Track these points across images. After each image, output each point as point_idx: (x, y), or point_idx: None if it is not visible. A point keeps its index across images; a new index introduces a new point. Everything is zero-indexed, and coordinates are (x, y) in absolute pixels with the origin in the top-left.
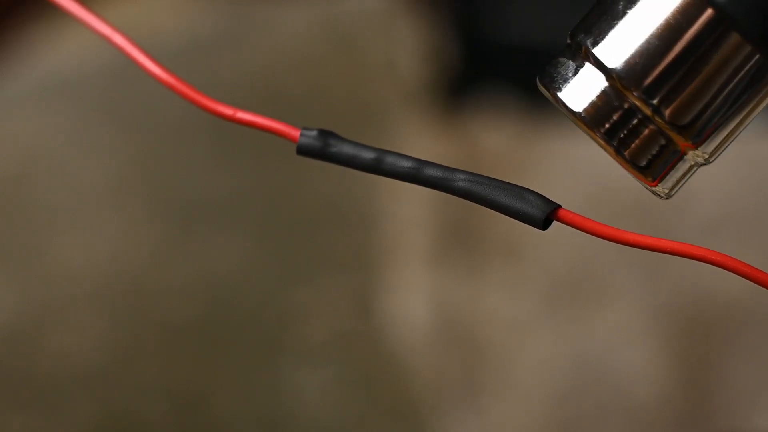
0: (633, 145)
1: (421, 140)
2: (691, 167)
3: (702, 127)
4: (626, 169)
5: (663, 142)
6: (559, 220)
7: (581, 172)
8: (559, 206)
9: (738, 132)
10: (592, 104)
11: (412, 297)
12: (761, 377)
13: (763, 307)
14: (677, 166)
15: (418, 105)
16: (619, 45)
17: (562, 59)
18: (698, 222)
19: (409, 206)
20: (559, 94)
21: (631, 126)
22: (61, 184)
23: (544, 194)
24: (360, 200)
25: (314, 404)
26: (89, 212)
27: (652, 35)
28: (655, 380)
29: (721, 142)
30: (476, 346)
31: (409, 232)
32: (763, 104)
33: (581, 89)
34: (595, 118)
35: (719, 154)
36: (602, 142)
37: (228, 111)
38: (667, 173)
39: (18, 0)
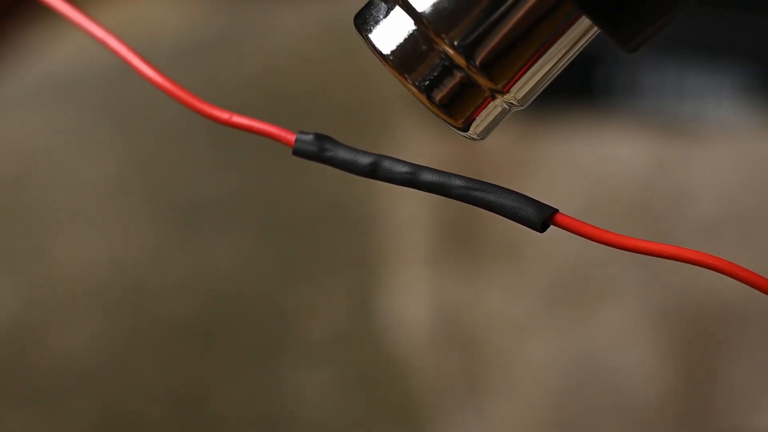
0: (441, 89)
1: (421, 140)
2: (503, 110)
3: (510, 73)
4: (435, 113)
5: (471, 86)
6: (556, 224)
7: (581, 173)
8: (556, 211)
9: (549, 78)
10: (401, 47)
11: (412, 297)
12: (761, 377)
13: (764, 308)
14: (487, 109)
15: (418, 106)
16: None
17: (375, 1)
18: (698, 222)
19: (409, 206)
20: (369, 36)
21: (439, 71)
22: (61, 184)
23: (544, 195)
24: (360, 200)
25: (314, 404)
26: (89, 212)
27: None
28: (655, 380)
29: (530, 88)
30: (476, 346)
31: (409, 232)
32: (574, 50)
33: (391, 32)
34: (404, 61)
35: (531, 99)
36: (411, 86)
37: (224, 115)
38: (476, 116)
39: (18, 0)
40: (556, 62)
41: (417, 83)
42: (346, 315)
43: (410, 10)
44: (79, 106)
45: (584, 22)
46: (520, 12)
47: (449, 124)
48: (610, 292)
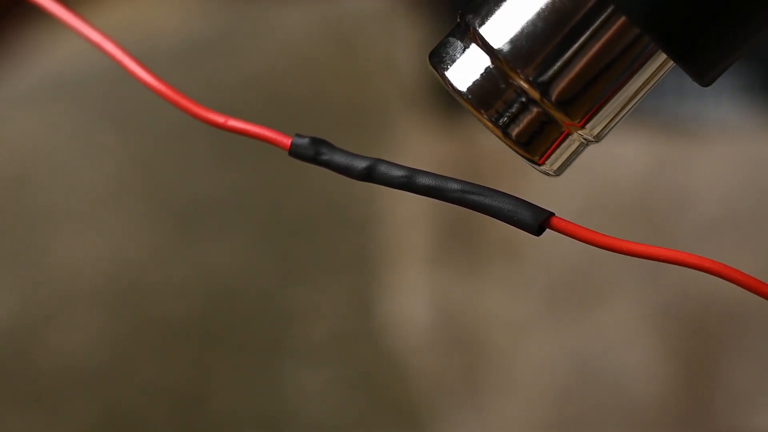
0: (518, 126)
1: (421, 141)
2: (579, 146)
3: (586, 108)
4: (513, 148)
5: (548, 121)
6: (551, 228)
7: (581, 173)
8: (552, 214)
9: (625, 112)
10: (478, 84)
11: (412, 297)
12: (761, 377)
13: (763, 308)
14: (563, 145)
15: (418, 106)
16: (505, 26)
17: (451, 39)
18: (698, 222)
19: (409, 206)
20: (446, 74)
21: (516, 107)
22: (61, 184)
23: (544, 195)
24: (360, 200)
25: (314, 404)
26: (89, 212)
27: (537, 16)
28: (655, 380)
29: (608, 122)
30: (476, 345)
31: (409, 232)
32: (649, 85)
33: (467, 69)
34: (481, 98)
35: (607, 133)
36: (488, 122)
37: (219, 119)
38: (552, 152)
39: (18, 0)
40: (633, 96)
41: (494, 120)
42: (346, 315)
43: (486, 47)
44: (79, 107)
45: (660, 56)
46: (597, 48)
47: (527, 159)
48: (610, 292)
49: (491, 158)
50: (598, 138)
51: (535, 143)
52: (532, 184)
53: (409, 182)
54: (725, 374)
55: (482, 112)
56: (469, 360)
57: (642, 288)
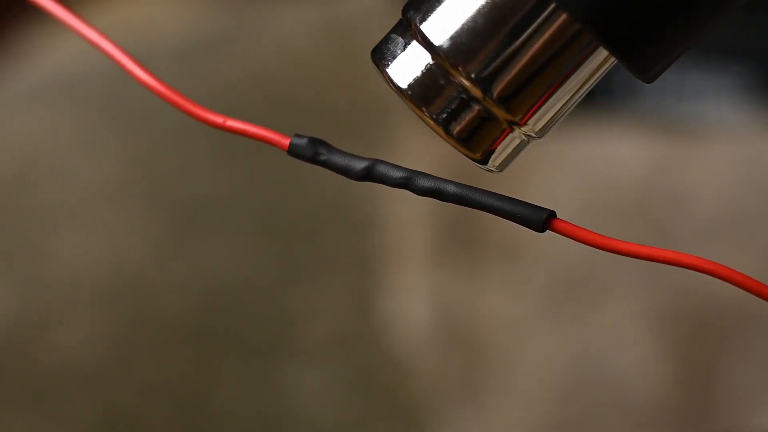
0: (459, 122)
1: (421, 141)
2: (521, 142)
3: (528, 105)
4: (454, 146)
5: (489, 118)
6: (551, 229)
7: (581, 173)
8: (552, 215)
9: (568, 108)
10: (418, 81)
11: (412, 297)
12: (761, 377)
13: (763, 308)
14: (505, 142)
15: None
16: (446, 22)
17: (393, 35)
18: (698, 222)
19: (409, 206)
20: (387, 70)
21: (457, 104)
22: (61, 184)
23: (544, 195)
24: (360, 200)
25: (314, 404)
26: (89, 212)
27: (479, 13)
28: (655, 380)
29: (549, 119)
30: (476, 345)
31: (409, 232)
32: (592, 81)
33: (408, 66)
34: (421, 95)
35: (550, 130)
36: (429, 120)
37: (218, 119)
38: (494, 149)
39: (18, 0)
40: (575, 93)
41: (434, 116)
42: (346, 315)
43: (427, 44)
44: (79, 106)
45: (602, 52)
46: (538, 44)
47: (468, 156)
48: (610, 292)
49: None
50: (540, 134)
51: (477, 140)
52: (533, 185)
53: (407, 183)
54: (725, 374)
55: (423, 109)
56: (469, 360)
57: (642, 288)
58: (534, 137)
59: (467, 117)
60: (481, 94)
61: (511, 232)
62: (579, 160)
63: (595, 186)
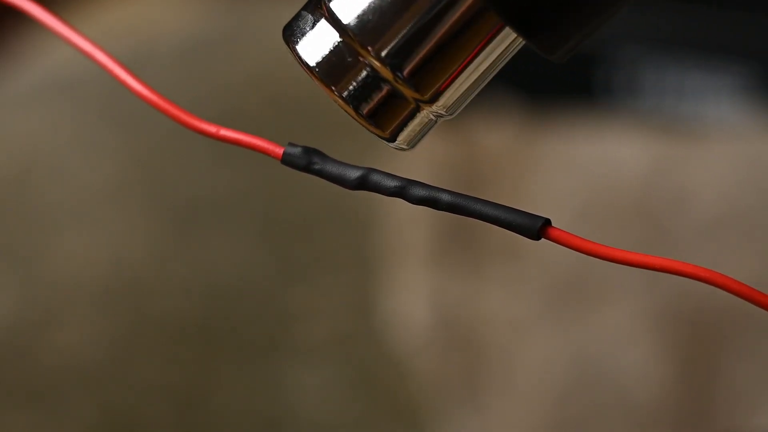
0: (367, 101)
1: (419, 143)
2: (430, 121)
3: (436, 84)
4: (362, 124)
5: (398, 97)
6: (546, 237)
7: (581, 173)
8: (546, 222)
9: (477, 87)
10: (326, 59)
11: (412, 297)
12: (761, 377)
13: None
14: (414, 120)
15: None
16: (354, 0)
17: (303, 12)
18: (698, 222)
19: (409, 206)
20: (296, 47)
21: (366, 83)
22: (61, 184)
23: (543, 195)
24: (359, 200)
25: (314, 404)
26: (89, 212)
27: None
28: (655, 380)
29: (457, 98)
30: (476, 346)
31: (409, 232)
32: (501, 59)
33: (317, 44)
34: (330, 73)
35: (459, 108)
36: (338, 98)
37: (211, 129)
38: (403, 128)
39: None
40: (483, 72)
41: (343, 95)
42: (346, 315)
43: (335, 22)
44: (79, 107)
45: (509, 32)
46: (444, 23)
47: (376, 134)
48: (611, 293)
49: (491, 159)
50: (450, 112)
51: (386, 119)
52: (533, 185)
53: (401, 192)
54: (725, 374)
55: (332, 87)
56: (469, 360)
57: (642, 288)
58: (444, 116)
59: (375, 96)
60: (389, 73)
61: (511, 233)
62: (579, 160)
63: (595, 186)
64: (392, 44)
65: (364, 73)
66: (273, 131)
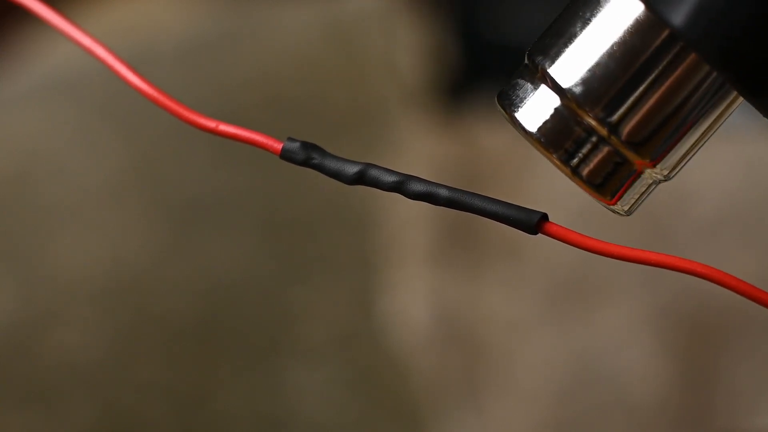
0: (589, 166)
1: (421, 140)
2: (650, 185)
3: (658, 147)
4: (584, 189)
5: (619, 161)
6: (543, 232)
7: None
8: (543, 217)
9: (696, 150)
10: (547, 125)
11: (412, 297)
12: (761, 377)
13: (763, 308)
14: (635, 184)
15: (418, 105)
16: (574, 65)
17: (519, 80)
18: (698, 222)
19: (409, 206)
20: (516, 115)
21: (587, 147)
22: (61, 184)
23: (544, 195)
24: (360, 200)
25: (314, 404)
26: (89, 212)
27: (607, 55)
28: (655, 380)
29: (678, 160)
30: (476, 345)
31: (409, 232)
32: (720, 122)
33: (537, 110)
34: (551, 139)
35: (678, 171)
36: (559, 163)
37: (210, 124)
38: (624, 192)
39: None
40: (704, 133)
41: (564, 160)
42: (346, 315)
43: (556, 87)
44: (79, 106)
45: (732, 93)
46: (667, 86)
47: (598, 200)
48: (610, 292)
49: (491, 159)
50: (668, 177)
51: (607, 183)
52: (533, 185)
53: (400, 188)
54: (725, 374)
55: (552, 152)
56: (469, 360)
57: (642, 288)
58: (662, 179)
59: (596, 160)
60: (611, 136)
61: (511, 232)
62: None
63: None
64: (615, 107)
65: (585, 138)
66: (273, 131)
